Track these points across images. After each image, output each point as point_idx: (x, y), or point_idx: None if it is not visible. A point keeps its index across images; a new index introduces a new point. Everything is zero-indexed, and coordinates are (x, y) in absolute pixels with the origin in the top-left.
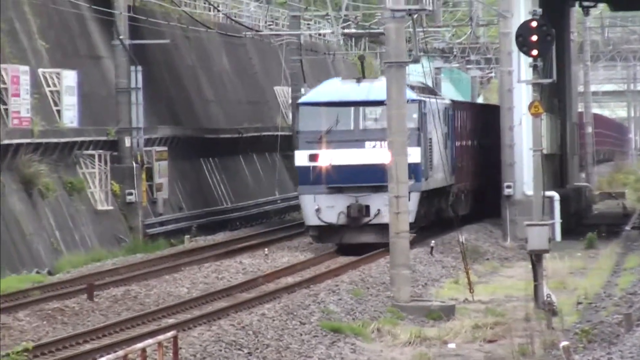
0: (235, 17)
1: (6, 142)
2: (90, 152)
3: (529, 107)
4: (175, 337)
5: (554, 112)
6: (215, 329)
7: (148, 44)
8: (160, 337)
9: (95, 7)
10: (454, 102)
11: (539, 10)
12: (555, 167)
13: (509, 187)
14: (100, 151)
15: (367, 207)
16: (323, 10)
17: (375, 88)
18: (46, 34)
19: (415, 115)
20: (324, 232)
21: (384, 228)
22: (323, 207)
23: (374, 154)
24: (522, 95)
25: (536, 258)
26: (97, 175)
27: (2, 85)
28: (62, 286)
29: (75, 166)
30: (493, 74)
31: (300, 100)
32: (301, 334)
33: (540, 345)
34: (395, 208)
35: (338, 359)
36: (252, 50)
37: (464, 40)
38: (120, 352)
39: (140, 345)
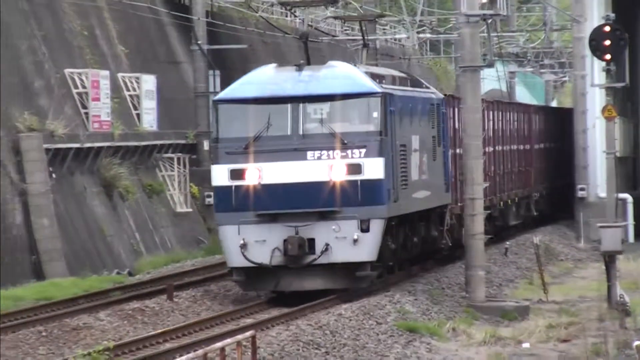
0: (311, 22)
1: (87, 145)
2: (169, 155)
3: (602, 111)
4: (253, 337)
5: (627, 115)
6: (293, 329)
7: (226, 49)
8: (239, 337)
9: (174, 12)
10: (452, 97)
11: (612, 15)
12: (628, 170)
13: (582, 189)
14: (179, 154)
15: (312, 240)
16: (398, 16)
17: (322, 77)
18: (126, 40)
19: (375, 114)
20: (253, 275)
21: (335, 269)
22: (251, 242)
23: (319, 168)
24: (596, 99)
25: (609, 259)
26: (176, 178)
27: (82, 90)
28: (142, 287)
29: (155, 169)
30: (567, 78)
31: (217, 97)
32: (377, 334)
33: (614, 344)
34: (470, 210)
35: (414, 358)
36: (328, 55)
37: (538, 44)
38: (200, 352)
39: (219, 344)
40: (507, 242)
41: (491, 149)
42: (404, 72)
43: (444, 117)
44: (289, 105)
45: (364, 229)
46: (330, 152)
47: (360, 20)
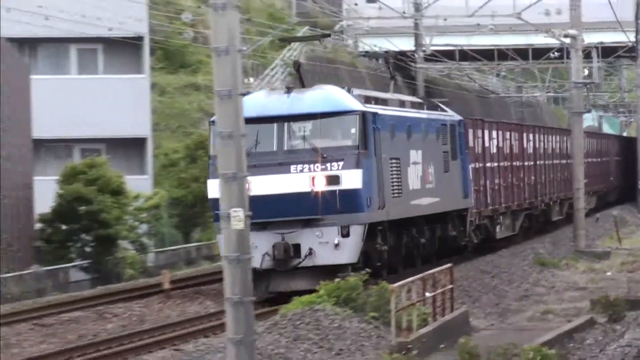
0: (485, 86)
1: None
2: None
3: None
4: (451, 268)
5: None
6: (475, 263)
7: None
8: (442, 267)
9: (406, 80)
10: (480, 121)
11: None
12: None
13: None
14: None
15: (297, 245)
16: (534, 82)
17: (308, 99)
18: None
19: (353, 130)
20: None
21: (320, 271)
22: None
23: (301, 180)
24: None
25: None
26: None
27: None
28: None
29: None
30: (633, 119)
31: (213, 118)
32: (522, 267)
33: None
34: (576, 195)
35: (543, 280)
36: (495, 106)
37: (617, 100)
38: (419, 275)
39: (431, 271)
40: (598, 214)
41: (588, 160)
42: (421, 98)
43: (460, 136)
44: (275, 124)
45: (344, 234)
46: (311, 165)
47: (386, 57)
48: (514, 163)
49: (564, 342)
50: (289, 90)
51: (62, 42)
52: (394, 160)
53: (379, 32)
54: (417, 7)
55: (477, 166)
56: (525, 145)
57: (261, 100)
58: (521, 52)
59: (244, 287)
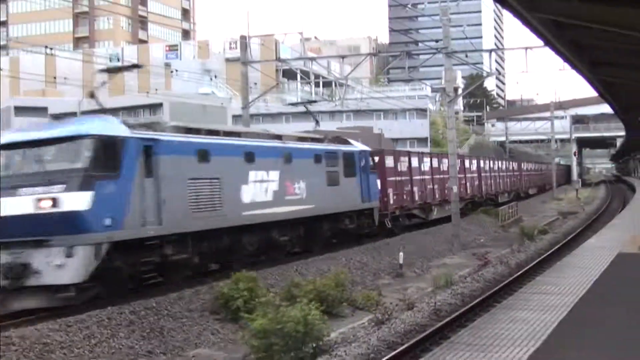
0: None
1: None
2: None
3: None
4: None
5: None
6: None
7: None
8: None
9: None
10: (394, 151)
11: None
12: None
13: None
14: None
15: (26, 265)
16: None
17: (58, 127)
18: None
19: (87, 154)
20: None
21: (47, 290)
22: None
23: (27, 202)
24: None
25: None
26: None
27: None
28: None
29: None
30: None
31: None
32: None
33: None
34: None
35: None
36: None
37: None
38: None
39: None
40: None
41: None
42: (327, 136)
43: (360, 160)
44: (21, 150)
45: (68, 254)
46: (37, 188)
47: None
48: (441, 176)
49: None
50: (60, 119)
51: None
52: (200, 181)
53: None
54: None
55: (397, 179)
56: (467, 165)
57: (34, 129)
58: None
59: None
